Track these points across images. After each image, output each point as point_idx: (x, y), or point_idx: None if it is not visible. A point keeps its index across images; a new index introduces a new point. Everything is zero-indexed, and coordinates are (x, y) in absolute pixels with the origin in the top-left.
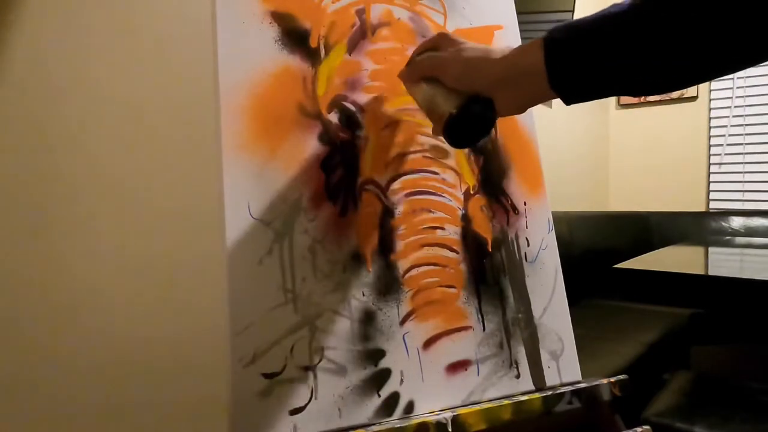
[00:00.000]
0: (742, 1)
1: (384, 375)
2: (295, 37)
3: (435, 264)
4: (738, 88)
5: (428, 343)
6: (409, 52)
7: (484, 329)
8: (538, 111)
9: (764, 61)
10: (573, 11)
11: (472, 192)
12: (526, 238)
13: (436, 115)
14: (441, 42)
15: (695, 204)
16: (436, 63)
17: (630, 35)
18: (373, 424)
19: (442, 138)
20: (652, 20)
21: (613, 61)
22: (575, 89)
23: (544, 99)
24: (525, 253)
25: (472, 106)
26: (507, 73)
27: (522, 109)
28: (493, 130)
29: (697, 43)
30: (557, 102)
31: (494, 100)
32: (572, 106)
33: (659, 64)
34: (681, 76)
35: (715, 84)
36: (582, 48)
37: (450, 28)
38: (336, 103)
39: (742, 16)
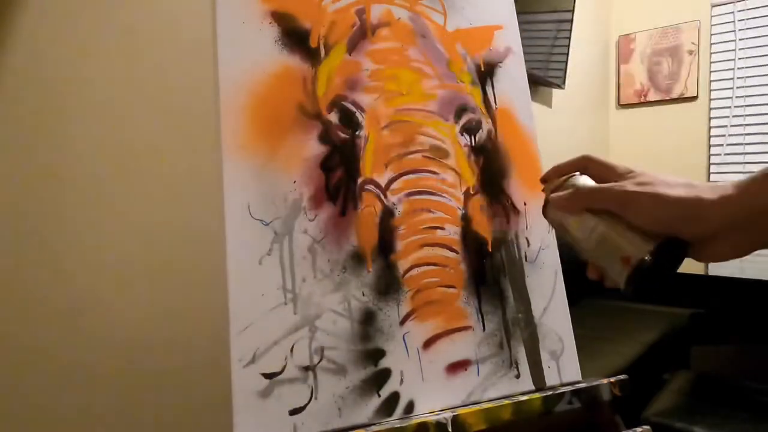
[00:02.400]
0: None
1: (384, 375)
2: (295, 37)
3: (435, 264)
4: (738, 88)
5: (428, 343)
6: (409, 53)
7: (484, 329)
8: (538, 111)
9: None
10: (573, 11)
11: (472, 192)
12: (526, 238)
13: (616, 258)
14: (590, 165)
15: None
16: (619, 197)
17: None
18: (373, 424)
19: (441, 141)
20: None
21: None
22: None
23: None
24: (525, 253)
25: (669, 251)
26: (733, 218)
27: (737, 257)
28: None
29: None
30: (557, 102)
31: (706, 246)
32: (571, 105)
33: None
34: None
35: (715, 84)
36: None
37: (450, 28)
38: (336, 103)
39: None
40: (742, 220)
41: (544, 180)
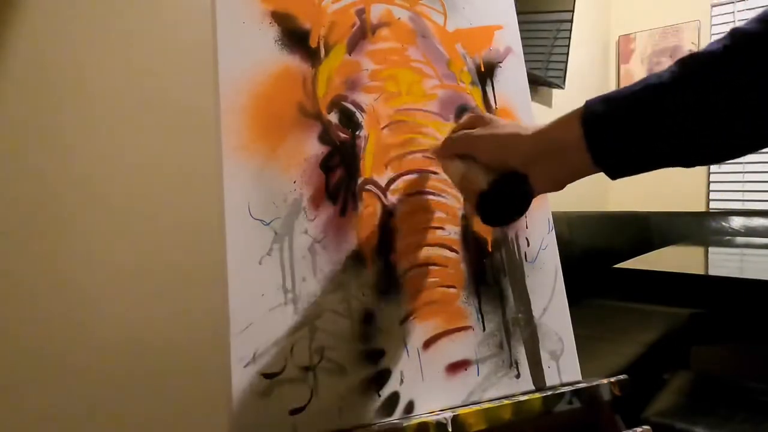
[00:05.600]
0: None
1: (384, 375)
2: (295, 37)
3: (435, 264)
4: None
5: (428, 343)
6: (409, 53)
7: (484, 329)
8: (537, 111)
9: None
10: (573, 11)
11: None
12: (526, 238)
13: (470, 191)
14: (475, 121)
15: (695, 204)
16: (469, 140)
17: (672, 107)
18: (373, 424)
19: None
20: (696, 90)
21: (657, 135)
22: (621, 165)
23: (585, 174)
24: (525, 253)
25: (506, 182)
26: (541, 149)
27: (560, 185)
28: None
29: (744, 112)
30: (557, 102)
31: (529, 176)
32: (571, 105)
33: (706, 136)
34: (732, 147)
35: None
36: (623, 122)
37: (450, 28)
38: (336, 103)
39: None
40: (550, 152)
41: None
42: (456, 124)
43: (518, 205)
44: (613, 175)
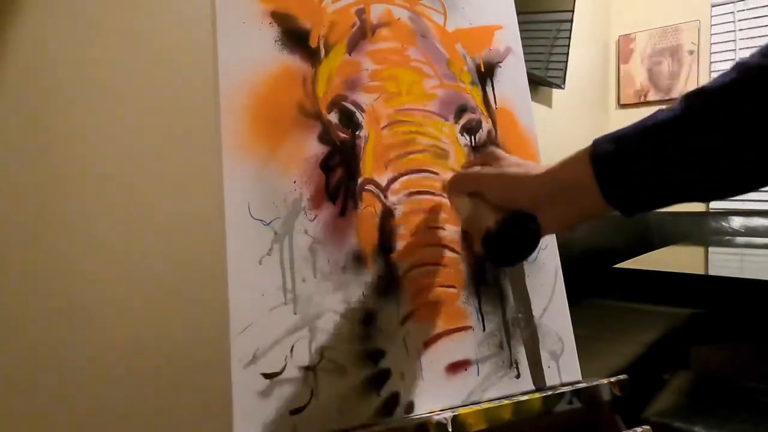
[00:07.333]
0: None
1: (384, 375)
2: (295, 37)
3: (435, 264)
4: None
5: (428, 343)
6: (409, 53)
7: (484, 329)
8: (537, 111)
9: None
10: (573, 11)
11: None
12: None
13: (476, 229)
14: (488, 158)
15: (695, 204)
16: (477, 178)
17: (680, 144)
18: (373, 424)
19: (441, 141)
20: (704, 127)
21: (667, 172)
22: (634, 203)
23: (597, 215)
24: None
25: (513, 222)
26: (550, 189)
27: (569, 227)
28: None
29: (754, 147)
30: (557, 102)
31: (538, 216)
32: (571, 105)
33: (716, 172)
34: (744, 181)
35: None
36: (634, 161)
37: (450, 28)
38: (336, 103)
39: None
40: (559, 193)
41: None
42: (469, 160)
43: (526, 246)
44: (628, 214)
